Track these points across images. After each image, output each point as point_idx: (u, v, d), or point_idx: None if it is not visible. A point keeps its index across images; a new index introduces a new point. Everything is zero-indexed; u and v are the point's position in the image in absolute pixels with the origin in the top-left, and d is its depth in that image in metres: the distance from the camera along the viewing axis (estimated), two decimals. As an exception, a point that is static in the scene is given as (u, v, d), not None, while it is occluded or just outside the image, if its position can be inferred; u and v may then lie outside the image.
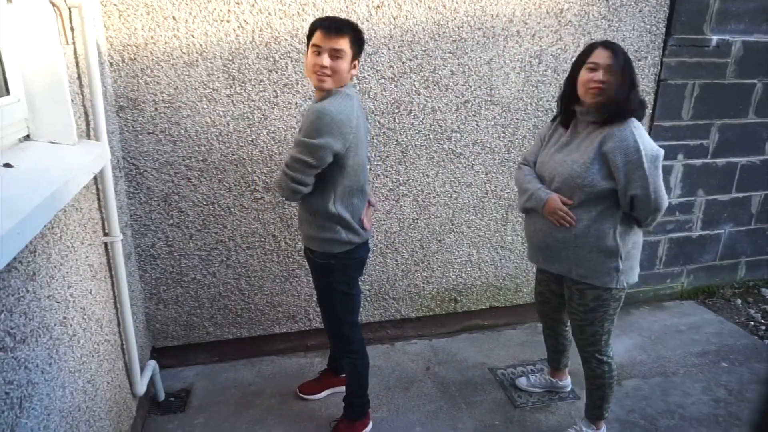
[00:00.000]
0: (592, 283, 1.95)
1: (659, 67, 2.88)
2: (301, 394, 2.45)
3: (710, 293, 3.51)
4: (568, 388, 2.53)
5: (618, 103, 1.78)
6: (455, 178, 2.76)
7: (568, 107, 1.95)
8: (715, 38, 2.92)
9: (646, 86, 2.89)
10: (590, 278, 1.94)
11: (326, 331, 2.23)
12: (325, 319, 2.16)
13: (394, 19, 2.41)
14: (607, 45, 1.80)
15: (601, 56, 1.79)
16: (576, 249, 1.92)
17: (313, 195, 1.86)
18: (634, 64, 2.68)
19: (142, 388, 2.16)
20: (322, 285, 2.05)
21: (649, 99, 2.93)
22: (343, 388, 2.27)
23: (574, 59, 1.92)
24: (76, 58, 1.75)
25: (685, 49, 2.89)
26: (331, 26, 1.72)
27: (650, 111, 2.97)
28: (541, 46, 2.65)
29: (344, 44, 1.74)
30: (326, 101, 1.76)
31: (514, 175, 2.01)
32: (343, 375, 2.39)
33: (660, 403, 2.48)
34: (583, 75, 1.83)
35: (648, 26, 2.78)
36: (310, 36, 1.79)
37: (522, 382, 2.55)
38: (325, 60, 1.72)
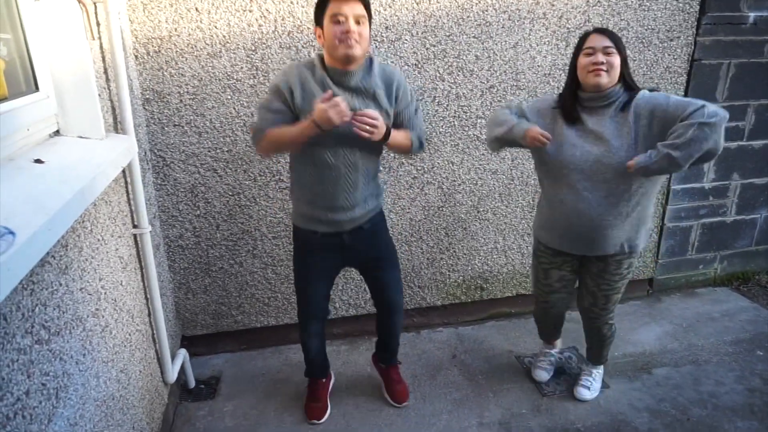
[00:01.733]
0: (633, 251, 2.04)
1: (693, 47, 2.78)
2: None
3: (745, 279, 3.41)
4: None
5: (624, 77, 1.89)
6: (480, 165, 2.72)
7: (572, 100, 1.95)
8: (752, 15, 2.79)
9: (678, 67, 2.79)
10: (634, 247, 2.03)
11: (392, 307, 2.19)
12: (394, 281, 2.15)
13: (417, 4, 2.37)
14: (601, 30, 1.88)
15: (595, 40, 1.85)
16: (630, 224, 1.99)
17: (376, 159, 1.96)
18: (665, 44, 2.62)
19: (173, 376, 2.21)
20: (384, 243, 2.11)
21: (681, 80, 2.84)
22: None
23: (575, 49, 1.96)
24: (102, 52, 1.77)
25: (721, 27, 2.78)
26: None
27: (683, 92, 2.87)
28: (568, 28, 2.58)
29: (363, 9, 1.70)
30: (386, 66, 1.85)
31: (491, 115, 2.00)
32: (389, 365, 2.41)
33: (692, 392, 2.43)
34: (582, 60, 1.88)
35: (681, 4, 2.68)
36: (320, 12, 1.71)
37: (543, 375, 2.51)
38: (353, 26, 1.66)
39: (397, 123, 1.91)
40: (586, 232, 1.99)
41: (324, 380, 2.35)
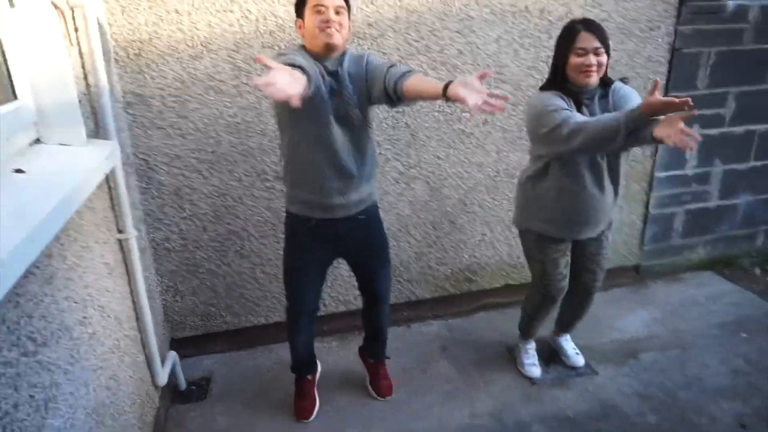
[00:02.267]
0: (611, 221, 2.24)
1: (673, 36, 2.81)
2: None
3: (728, 263, 3.47)
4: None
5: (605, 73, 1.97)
6: (466, 158, 2.73)
7: (564, 86, 1.96)
8: (731, 3, 2.82)
9: (659, 56, 2.82)
10: (612, 217, 2.22)
11: (378, 296, 2.22)
12: (383, 275, 2.19)
13: (399, 0, 2.36)
14: (589, 27, 1.87)
15: (586, 40, 1.86)
16: (615, 202, 2.15)
17: (371, 146, 1.96)
18: (646, 34, 2.64)
19: (163, 378, 2.21)
20: (378, 236, 2.13)
21: (663, 70, 2.86)
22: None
23: (556, 42, 1.97)
24: (81, 58, 1.75)
25: (701, 16, 2.80)
26: None
27: (665, 81, 2.90)
28: (550, 20, 2.59)
29: (342, 0, 1.73)
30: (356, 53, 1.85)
31: (571, 128, 1.81)
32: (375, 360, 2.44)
33: (678, 375, 2.48)
34: (574, 60, 1.89)
35: (660, -6, 2.70)
36: (302, 3, 1.75)
37: (538, 371, 2.52)
38: (333, 15, 1.69)
39: (378, 82, 1.78)
40: (594, 215, 2.12)
41: (310, 377, 2.36)
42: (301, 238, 2.03)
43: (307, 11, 1.73)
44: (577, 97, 1.96)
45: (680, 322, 2.89)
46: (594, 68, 1.87)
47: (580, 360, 2.53)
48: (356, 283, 2.26)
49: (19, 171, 1.32)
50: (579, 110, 1.95)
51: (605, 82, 2.00)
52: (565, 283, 2.29)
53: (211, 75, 2.27)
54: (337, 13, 1.71)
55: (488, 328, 2.88)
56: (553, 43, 2.58)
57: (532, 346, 2.55)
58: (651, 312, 2.99)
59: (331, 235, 2.00)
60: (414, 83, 1.70)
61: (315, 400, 2.33)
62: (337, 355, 2.70)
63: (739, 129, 3.14)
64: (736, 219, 3.40)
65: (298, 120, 1.79)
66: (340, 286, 2.78)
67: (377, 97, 1.81)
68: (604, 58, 1.89)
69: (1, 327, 1.04)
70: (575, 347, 2.58)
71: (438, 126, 2.63)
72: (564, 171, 2.04)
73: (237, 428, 2.25)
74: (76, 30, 1.71)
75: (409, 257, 2.85)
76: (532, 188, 2.16)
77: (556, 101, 1.91)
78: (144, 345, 2.11)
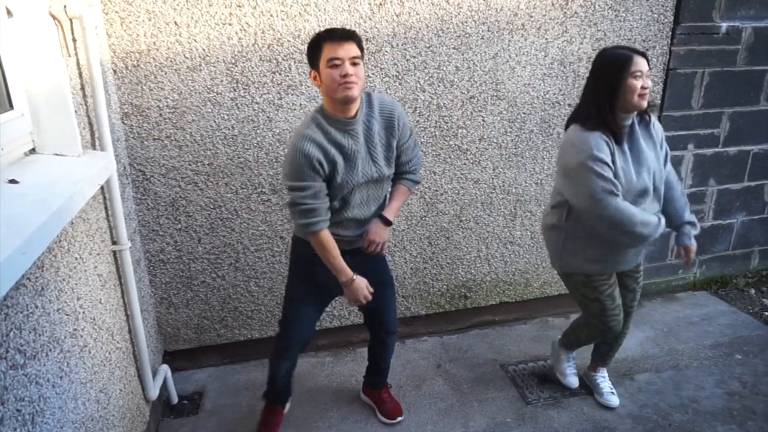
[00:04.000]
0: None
1: (668, 57, 2.84)
2: None
3: (723, 283, 3.47)
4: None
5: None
6: (462, 174, 2.74)
7: (609, 119, 1.90)
8: (724, 25, 2.86)
9: (654, 76, 2.84)
10: None
11: (388, 320, 2.20)
12: (392, 306, 2.21)
13: (397, 16, 2.39)
14: (639, 52, 1.88)
15: (641, 64, 1.86)
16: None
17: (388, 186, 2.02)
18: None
19: (154, 392, 2.18)
20: (383, 266, 2.16)
21: (657, 89, 2.89)
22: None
23: (603, 71, 1.90)
24: (79, 68, 1.75)
25: (694, 37, 2.84)
26: (341, 35, 1.67)
27: (659, 101, 2.92)
28: (546, 38, 2.61)
29: (357, 50, 1.70)
30: (384, 98, 1.89)
31: (605, 212, 1.87)
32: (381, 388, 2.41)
33: (673, 397, 2.46)
34: (632, 83, 1.85)
35: (656, 15, 2.73)
36: (314, 54, 1.71)
37: (576, 381, 2.52)
38: (350, 68, 1.65)
39: (397, 155, 1.93)
40: (642, 246, 2.10)
41: (282, 408, 2.28)
42: (307, 265, 1.98)
43: (322, 64, 1.68)
44: (618, 133, 1.90)
45: (675, 343, 2.88)
46: (648, 91, 1.87)
47: (615, 400, 2.40)
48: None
49: (13, 181, 1.31)
50: (619, 145, 1.92)
51: (643, 111, 1.97)
52: (622, 313, 2.21)
53: (209, 87, 2.28)
54: (354, 64, 1.67)
55: (483, 346, 2.87)
56: (549, 61, 2.65)
57: (573, 357, 2.54)
58: (646, 332, 2.98)
59: None
60: (398, 191, 2.01)
61: (279, 430, 2.25)
62: (331, 370, 2.68)
63: (733, 149, 3.16)
64: (730, 239, 3.41)
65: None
66: (335, 301, 2.76)
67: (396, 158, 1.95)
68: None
69: (-10, 339, 1.03)
70: (612, 386, 2.45)
71: (434, 141, 2.64)
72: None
73: (227, 444, 2.22)
74: (74, 40, 1.71)
75: (405, 272, 2.84)
76: (566, 232, 2.10)
77: (602, 152, 1.85)
78: (136, 358, 2.09)
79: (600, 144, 1.86)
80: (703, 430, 2.26)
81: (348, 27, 2.31)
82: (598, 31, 2.67)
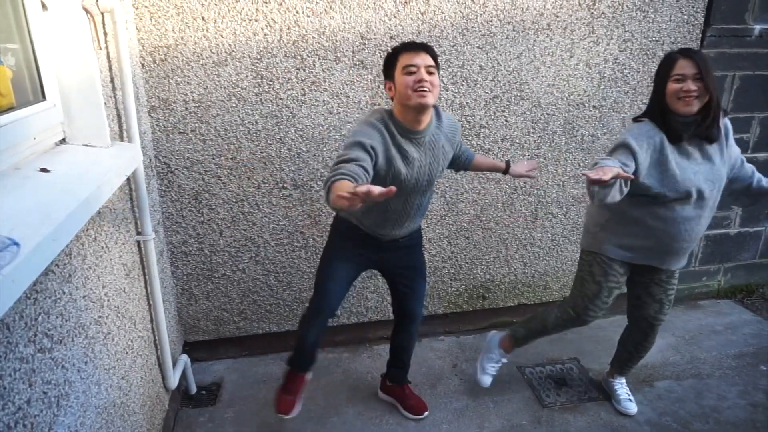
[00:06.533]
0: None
1: (697, 59, 2.78)
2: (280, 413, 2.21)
3: (749, 292, 3.39)
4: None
5: (718, 105, 1.88)
6: (483, 174, 2.73)
7: (667, 122, 1.90)
8: (757, 27, 2.80)
9: (683, 79, 2.79)
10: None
11: (413, 306, 2.21)
12: (419, 293, 2.20)
13: (422, 14, 2.38)
14: (687, 54, 1.84)
15: (684, 67, 1.83)
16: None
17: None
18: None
19: (174, 382, 2.22)
20: (418, 254, 2.18)
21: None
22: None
23: (655, 73, 1.93)
24: (109, 61, 1.79)
25: (726, 40, 2.78)
26: (417, 45, 1.72)
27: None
28: (572, 39, 2.58)
29: (432, 61, 1.73)
30: (449, 116, 1.94)
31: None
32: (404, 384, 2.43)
33: (694, 405, 2.42)
34: (672, 87, 1.85)
35: (686, 17, 2.68)
36: (390, 66, 1.76)
37: (489, 381, 2.45)
38: (425, 75, 1.68)
39: (453, 157, 2.04)
40: (687, 246, 2.03)
41: (304, 375, 2.25)
42: (347, 238, 2.04)
43: (398, 73, 1.72)
44: (677, 128, 1.88)
45: (697, 351, 2.83)
46: (694, 93, 1.82)
47: (633, 408, 2.37)
48: (390, 304, 2.26)
49: (44, 170, 1.34)
50: (678, 142, 1.89)
51: (710, 112, 1.88)
52: (602, 314, 2.20)
53: (234, 82, 2.31)
54: (429, 73, 1.70)
55: (500, 347, 2.85)
56: (574, 62, 2.62)
57: (504, 360, 2.45)
58: (667, 339, 2.93)
59: (375, 246, 2.03)
60: (480, 161, 2.22)
61: (300, 400, 2.21)
62: (348, 366, 2.69)
63: (763, 155, 3.09)
64: (758, 247, 3.34)
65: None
66: (353, 298, 2.78)
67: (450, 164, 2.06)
68: (702, 85, 1.82)
69: (19, 323, 1.06)
70: (630, 393, 2.43)
71: (457, 141, 2.63)
72: (653, 200, 1.96)
73: (244, 435, 2.24)
74: (105, 34, 1.75)
75: (423, 271, 2.84)
76: (611, 212, 2.08)
77: (634, 137, 1.87)
78: (157, 347, 2.13)
79: (640, 135, 1.88)
80: (723, 440, 2.22)
81: (372, 24, 2.33)
82: (626, 32, 2.63)
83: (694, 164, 1.91)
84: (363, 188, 1.25)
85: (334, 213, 2.09)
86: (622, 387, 2.44)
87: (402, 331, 2.29)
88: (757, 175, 2.07)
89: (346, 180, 1.49)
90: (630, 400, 2.40)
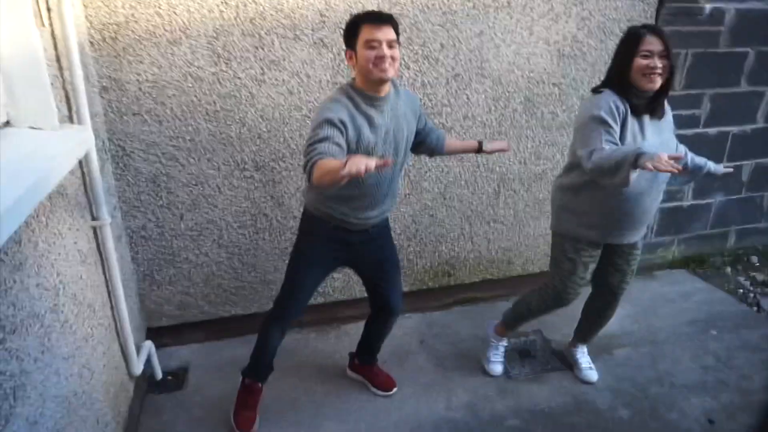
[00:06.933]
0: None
1: (652, 36, 2.84)
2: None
3: (700, 262, 3.54)
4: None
5: (670, 85, 1.92)
6: (446, 152, 2.74)
7: (626, 96, 1.91)
8: (708, 6, 2.87)
9: (638, 56, 2.85)
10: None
11: (393, 300, 2.20)
12: (398, 287, 2.21)
13: (382, -9, 2.35)
14: (654, 31, 1.87)
15: (652, 43, 1.85)
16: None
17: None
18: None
19: (138, 368, 2.18)
20: (389, 246, 2.18)
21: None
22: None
23: (618, 47, 1.94)
24: (54, 39, 1.70)
25: (679, 18, 2.84)
26: (380, 18, 1.72)
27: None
28: (532, 17, 2.60)
29: (394, 34, 1.73)
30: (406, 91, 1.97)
31: (593, 161, 1.83)
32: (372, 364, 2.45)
33: (650, 371, 2.53)
34: (639, 62, 1.86)
35: (641, -6, 2.73)
36: (351, 34, 1.74)
37: (500, 369, 2.52)
38: (387, 51, 1.69)
39: (422, 136, 2.06)
40: (643, 219, 2.09)
41: (262, 386, 2.25)
42: (317, 234, 2.01)
43: (359, 45, 1.72)
44: (636, 103, 1.91)
45: (653, 319, 2.94)
46: (658, 71, 1.84)
47: (593, 375, 2.45)
48: (357, 283, 2.27)
49: (-13, 154, 1.28)
50: (634, 114, 1.91)
51: (666, 89, 1.93)
52: (582, 290, 2.24)
53: (190, 62, 2.24)
54: (390, 47, 1.71)
55: (465, 322, 2.90)
56: (534, 40, 2.64)
57: (504, 344, 2.54)
58: (625, 309, 3.03)
59: (344, 241, 1.99)
60: (452, 143, 2.21)
61: (257, 413, 2.21)
62: (315, 347, 2.70)
63: (713, 130, 3.20)
64: (708, 218, 3.48)
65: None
66: (318, 278, 2.77)
67: (416, 145, 2.05)
68: (666, 62, 1.85)
69: (-33, 313, 1.02)
70: (590, 362, 2.50)
71: (419, 119, 2.63)
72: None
73: (213, 419, 2.23)
74: (48, 10, 1.66)
75: (389, 250, 2.85)
76: (572, 194, 2.11)
77: (606, 111, 1.87)
78: (119, 334, 2.08)
79: (607, 104, 1.88)
80: (677, 401, 2.33)
81: (332, 1, 2.29)
82: (584, 9, 2.66)
83: (648, 137, 1.95)
84: (361, 165, 1.37)
85: (302, 208, 2.04)
86: (583, 356, 2.52)
87: (380, 322, 2.30)
88: (690, 154, 2.12)
89: (326, 159, 1.57)
90: (591, 368, 2.48)
